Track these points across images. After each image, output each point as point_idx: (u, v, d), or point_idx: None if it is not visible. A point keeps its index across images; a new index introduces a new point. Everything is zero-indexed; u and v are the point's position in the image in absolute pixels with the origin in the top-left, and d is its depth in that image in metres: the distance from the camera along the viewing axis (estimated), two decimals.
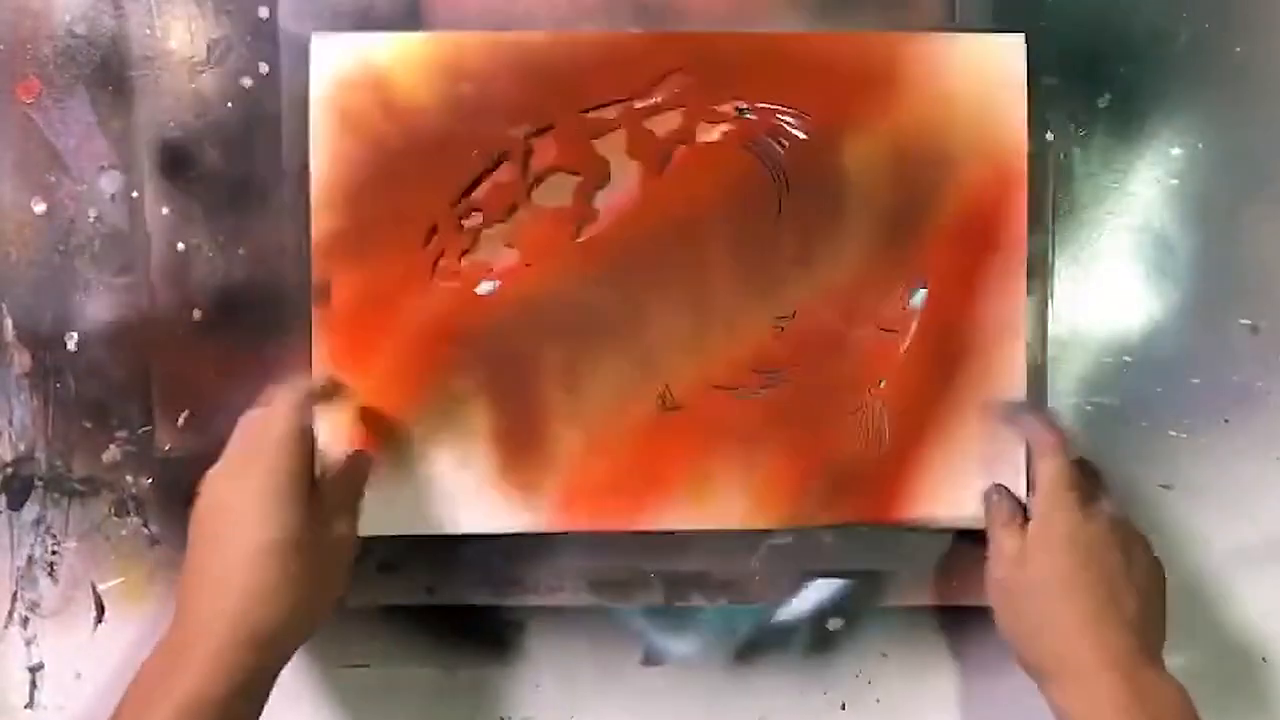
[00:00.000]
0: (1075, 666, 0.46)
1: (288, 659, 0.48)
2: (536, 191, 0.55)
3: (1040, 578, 0.48)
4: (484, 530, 0.55)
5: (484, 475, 0.55)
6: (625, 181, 0.55)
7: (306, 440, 0.48)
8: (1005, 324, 0.55)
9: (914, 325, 0.55)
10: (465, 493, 0.55)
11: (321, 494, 0.49)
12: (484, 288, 0.55)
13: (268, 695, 0.47)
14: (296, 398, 0.49)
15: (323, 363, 0.54)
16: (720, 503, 0.55)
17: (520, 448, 0.55)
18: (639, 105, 0.55)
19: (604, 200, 0.55)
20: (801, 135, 0.55)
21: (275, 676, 0.47)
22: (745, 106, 0.55)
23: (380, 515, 0.54)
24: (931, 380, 0.55)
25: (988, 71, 0.54)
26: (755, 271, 0.55)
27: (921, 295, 0.55)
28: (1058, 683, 0.47)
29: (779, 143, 0.55)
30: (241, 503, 0.46)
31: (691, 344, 0.55)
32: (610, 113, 0.55)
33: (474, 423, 0.55)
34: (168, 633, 0.47)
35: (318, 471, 0.50)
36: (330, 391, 0.53)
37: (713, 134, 0.55)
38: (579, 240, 0.55)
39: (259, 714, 0.46)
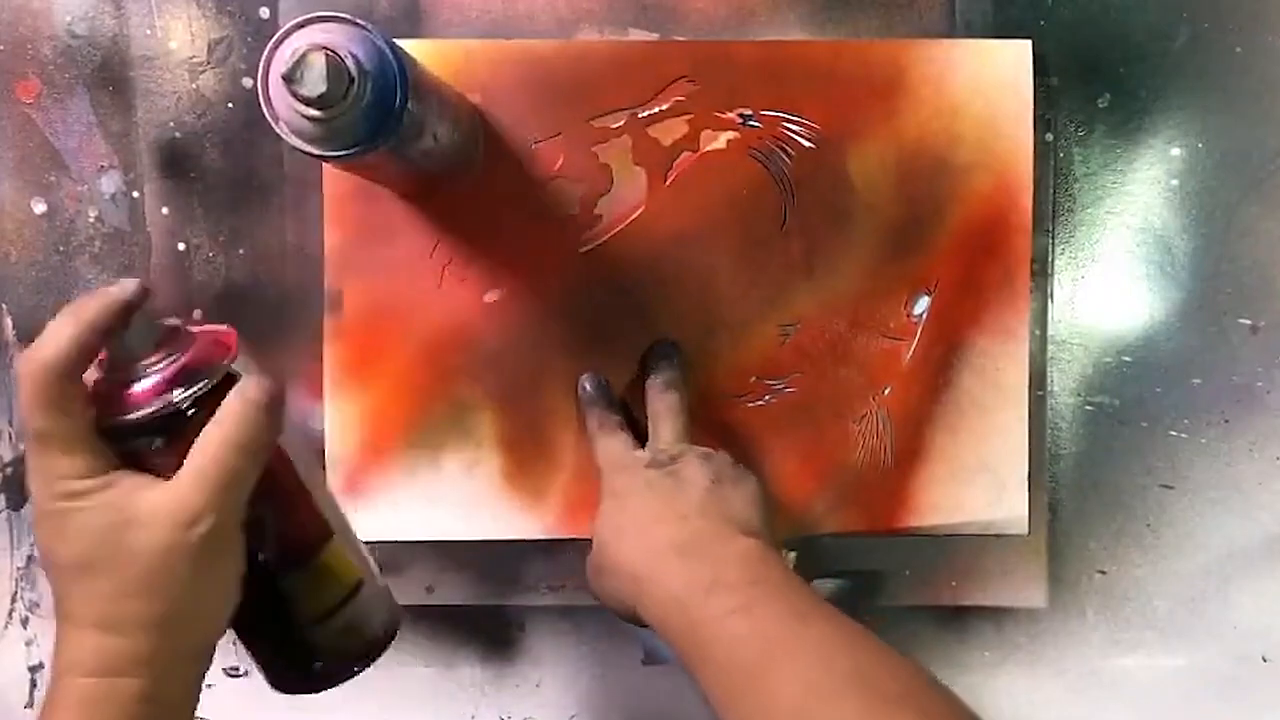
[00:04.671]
0: (641, 573, 0.44)
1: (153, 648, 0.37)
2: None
3: (600, 536, 0.47)
4: (491, 537, 0.55)
5: (491, 482, 0.55)
6: (631, 189, 0.55)
7: (69, 417, 0.36)
8: (1008, 330, 0.55)
9: (918, 332, 0.55)
10: (472, 499, 0.55)
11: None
12: (491, 296, 0.55)
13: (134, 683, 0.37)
14: (59, 336, 0.35)
15: (334, 371, 0.55)
16: None
17: (527, 455, 0.55)
18: (644, 113, 0.55)
19: (610, 208, 0.55)
20: (807, 143, 0.55)
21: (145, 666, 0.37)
22: (750, 114, 0.55)
23: (388, 521, 0.55)
24: (935, 387, 0.55)
25: (993, 78, 0.54)
26: (760, 279, 0.55)
27: (925, 302, 0.55)
28: (638, 599, 0.44)
29: (784, 151, 0.55)
30: (34, 500, 0.38)
31: (697, 352, 0.55)
32: (616, 120, 0.55)
33: (481, 430, 0.55)
34: None
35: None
36: (129, 305, 0.37)
37: (718, 142, 0.55)
38: (584, 249, 0.55)
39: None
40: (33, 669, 0.56)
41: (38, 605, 0.56)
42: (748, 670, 0.39)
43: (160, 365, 0.37)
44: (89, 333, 0.35)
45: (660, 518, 0.46)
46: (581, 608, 0.56)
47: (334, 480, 0.55)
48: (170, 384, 0.37)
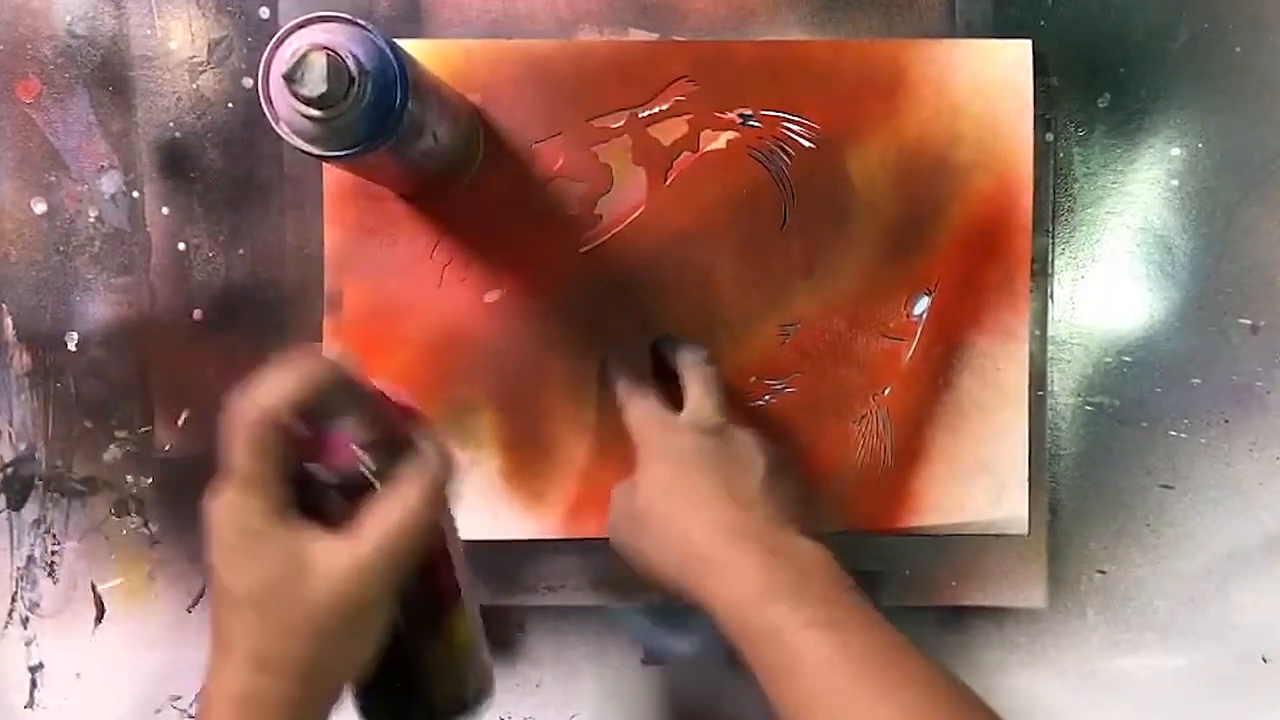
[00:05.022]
0: (702, 553, 0.44)
1: (301, 688, 0.39)
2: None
3: (645, 497, 0.47)
4: (490, 537, 0.55)
5: (491, 483, 0.55)
6: (631, 189, 0.55)
7: (269, 463, 0.38)
8: (1008, 330, 0.55)
9: (918, 332, 0.55)
10: (472, 499, 0.55)
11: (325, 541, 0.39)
12: (491, 296, 0.55)
13: None
14: (276, 387, 0.38)
15: None
16: None
17: (527, 455, 0.55)
18: (644, 113, 0.55)
19: (610, 208, 0.55)
20: (807, 143, 0.55)
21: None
22: (750, 114, 0.55)
23: None
24: (935, 387, 0.55)
25: (993, 78, 0.54)
26: (760, 279, 0.55)
27: (925, 302, 0.55)
28: (696, 578, 0.44)
29: (784, 151, 0.55)
30: (207, 515, 0.39)
31: None
32: (616, 120, 0.55)
33: (481, 431, 0.55)
34: None
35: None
36: (330, 375, 0.39)
37: (718, 142, 0.55)
38: (584, 249, 0.55)
39: None
40: (33, 669, 0.56)
41: (38, 605, 0.56)
42: (841, 693, 0.40)
43: (355, 426, 0.39)
44: (304, 388, 0.38)
45: (720, 495, 0.45)
46: (582, 608, 0.56)
47: None
48: (362, 446, 0.39)
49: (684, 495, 0.46)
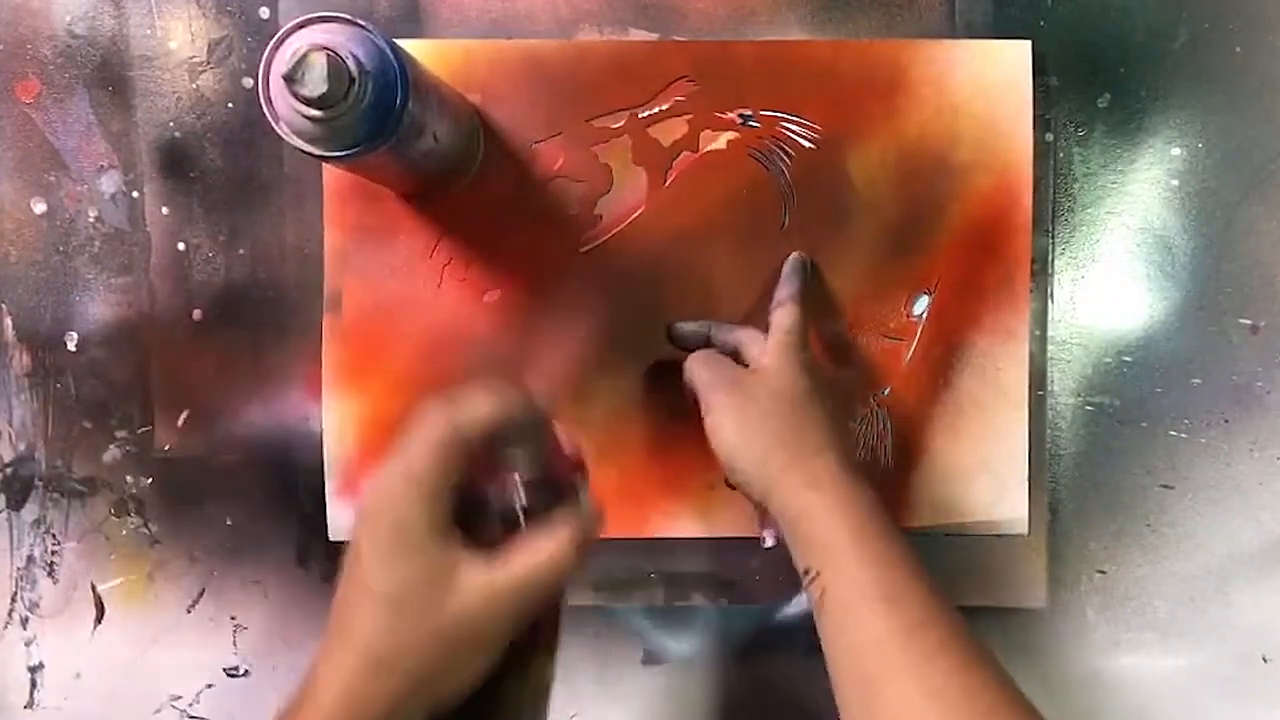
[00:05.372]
0: (780, 478, 0.46)
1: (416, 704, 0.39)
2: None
3: (765, 394, 0.48)
4: None
5: None
6: (631, 189, 0.55)
7: (445, 476, 0.38)
8: (1008, 330, 0.55)
9: (918, 332, 0.55)
10: None
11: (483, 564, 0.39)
12: (491, 296, 0.55)
13: None
14: (474, 409, 0.39)
15: (333, 371, 0.55)
16: (726, 511, 0.55)
17: None
18: (644, 113, 0.55)
19: (610, 208, 0.55)
20: (807, 143, 0.55)
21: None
22: (750, 114, 0.55)
23: None
24: (935, 387, 0.55)
25: (993, 78, 0.54)
26: (760, 279, 0.55)
27: (925, 302, 0.55)
28: (771, 497, 0.47)
29: (784, 151, 0.55)
30: (367, 502, 0.39)
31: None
32: (616, 120, 0.55)
33: None
34: None
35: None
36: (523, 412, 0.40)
37: (718, 142, 0.55)
38: (584, 249, 0.55)
39: None
40: (33, 669, 0.56)
41: (38, 605, 0.56)
42: (895, 652, 0.41)
43: (528, 462, 0.40)
44: (498, 416, 0.39)
45: (789, 442, 0.47)
46: (581, 608, 0.56)
47: (332, 481, 0.55)
48: (529, 485, 0.40)
49: (757, 439, 0.47)
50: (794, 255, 0.54)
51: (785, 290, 0.53)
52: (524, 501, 0.40)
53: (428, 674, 0.38)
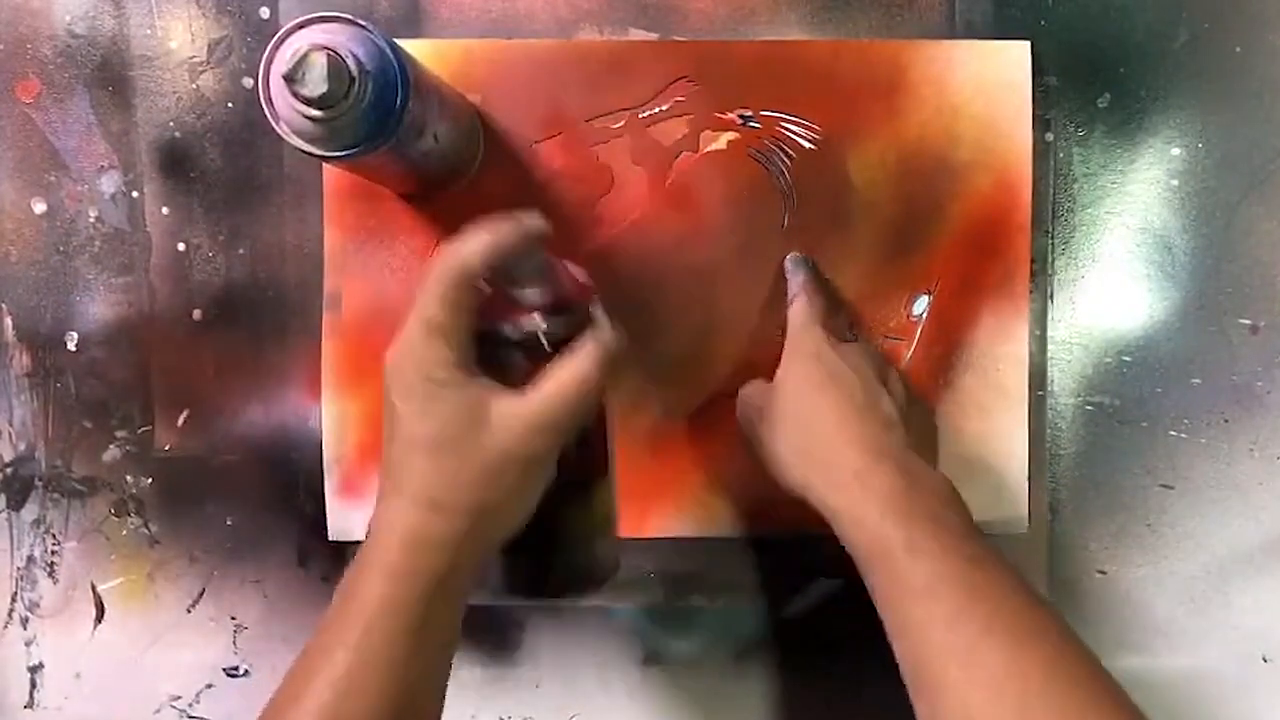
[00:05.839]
0: (840, 463, 0.46)
1: (472, 536, 0.40)
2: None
3: (795, 389, 0.49)
4: None
5: None
6: (631, 189, 0.55)
7: (460, 315, 0.40)
8: (1008, 329, 0.55)
9: (918, 332, 0.55)
10: None
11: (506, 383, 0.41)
12: None
13: (457, 581, 0.40)
14: (475, 245, 0.40)
15: (332, 371, 0.55)
16: (726, 511, 0.55)
17: None
18: (644, 113, 0.55)
19: (610, 208, 0.55)
20: (807, 144, 0.55)
21: (465, 555, 0.40)
22: (750, 114, 0.55)
23: None
24: (935, 386, 0.55)
25: (993, 78, 0.54)
26: (760, 279, 0.55)
27: (925, 302, 0.55)
28: (827, 485, 0.46)
29: (784, 151, 0.55)
30: (390, 362, 0.41)
31: (697, 352, 0.55)
32: (616, 120, 0.55)
33: None
34: None
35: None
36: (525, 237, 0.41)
37: (718, 142, 0.55)
38: (584, 250, 0.55)
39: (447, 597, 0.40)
40: (33, 669, 0.56)
41: (38, 605, 0.56)
42: (969, 630, 0.40)
43: (539, 293, 0.42)
44: (501, 249, 0.40)
45: (865, 412, 0.47)
46: (582, 608, 0.56)
47: (331, 480, 0.55)
48: (544, 311, 0.42)
49: (830, 404, 0.48)
50: (792, 254, 0.55)
51: (794, 283, 0.53)
52: (545, 330, 0.42)
53: (482, 508, 0.39)
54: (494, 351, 0.42)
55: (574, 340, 0.42)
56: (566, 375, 0.40)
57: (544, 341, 0.42)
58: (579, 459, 0.44)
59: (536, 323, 0.42)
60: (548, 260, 0.43)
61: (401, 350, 0.40)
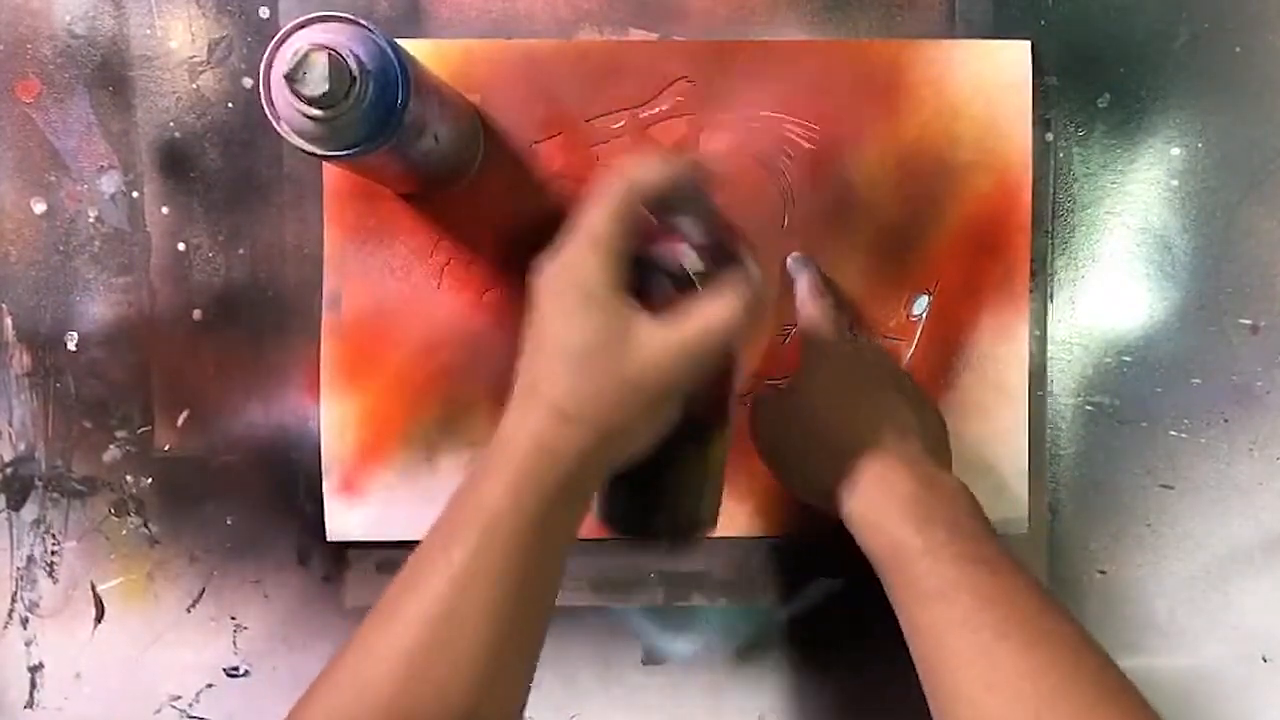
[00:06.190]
0: (860, 468, 0.45)
1: (600, 448, 0.40)
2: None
3: (808, 398, 0.49)
4: None
5: None
6: None
7: (624, 237, 0.40)
8: (1008, 330, 0.55)
9: (918, 332, 0.55)
10: None
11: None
12: (491, 296, 0.55)
13: (578, 487, 0.40)
14: (648, 169, 0.40)
15: (331, 370, 0.55)
16: (726, 511, 0.55)
17: None
18: (644, 113, 0.55)
19: None
20: (807, 144, 0.55)
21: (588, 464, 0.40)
22: (750, 115, 0.55)
23: (384, 521, 0.55)
24: (935, 386, 0.55)
25: (993, 78, 0.54)
26: None
27: (925, 302, 0.55)
28: (845, 489, 0.46)
29: (784, 152, 0.55)
30: (547, 271, 0.41)
31: None
32: (616, 120, 0.55)
33: (478, 430, 0.55)
34: None
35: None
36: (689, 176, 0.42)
37: (718, 142, 0.55)
38: None
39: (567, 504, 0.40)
40: (33, 669, 0.56)
41: (38, 605, 0.56)
42: (983, 632, 0.41)
43: (698, 230, 0.42)
44: (673, 178, 0.40)
45: (884, 418, 0.47)
46: (582, 608, 0.56)
47: (330, 480, 0.55)
48: (701, 249, 0.42)
49: (850, 409, 0.48)
50: (794, 255, 0.55)
51: (801, 285, 0.54)
52: (698, 266, 0.42)
53: (611, 426, 0.39)
54: (644, 277, 0.42)
55: (722, 276, 0.42)
56: (713, 310, 0.40)
57: (693, 278, 0.42)
58: (704, 403, 0.44)
59: (691, 256, 0.42)
60: (706, 199, 0.43)
61: (564, 259, 0.40)
